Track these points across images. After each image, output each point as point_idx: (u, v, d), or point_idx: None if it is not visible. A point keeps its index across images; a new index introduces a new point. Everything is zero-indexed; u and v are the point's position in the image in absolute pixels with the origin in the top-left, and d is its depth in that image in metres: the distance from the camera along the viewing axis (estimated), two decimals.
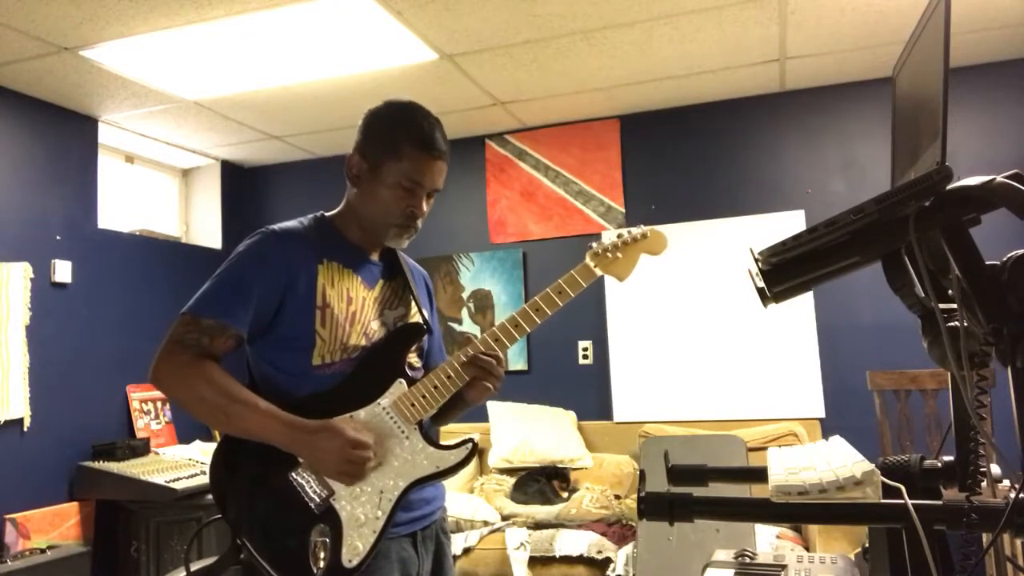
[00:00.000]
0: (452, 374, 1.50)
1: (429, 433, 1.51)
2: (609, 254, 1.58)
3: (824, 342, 3.83)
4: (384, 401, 1.47)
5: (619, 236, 1.60)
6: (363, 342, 1.49)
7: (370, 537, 1.39)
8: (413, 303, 1.61)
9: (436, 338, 1.72)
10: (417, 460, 1.46)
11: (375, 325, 1.52)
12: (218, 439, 4.52)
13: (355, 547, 1.39)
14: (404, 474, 1.45)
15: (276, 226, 1.53)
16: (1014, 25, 3.34)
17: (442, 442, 1.50)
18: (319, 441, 1.37)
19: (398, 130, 1.48)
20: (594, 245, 1.59)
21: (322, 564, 1.33)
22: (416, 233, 1.55)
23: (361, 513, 1.41)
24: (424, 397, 1.48)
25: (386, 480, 1.43)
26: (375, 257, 1.59)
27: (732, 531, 2.60)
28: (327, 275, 1.48)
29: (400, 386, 1.48)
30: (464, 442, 1.49)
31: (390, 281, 1.60)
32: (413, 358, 1.58)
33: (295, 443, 1.39)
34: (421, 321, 1.60)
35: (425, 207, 1.52)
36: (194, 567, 1.56)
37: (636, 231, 1.61)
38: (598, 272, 1.57)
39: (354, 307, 1.50)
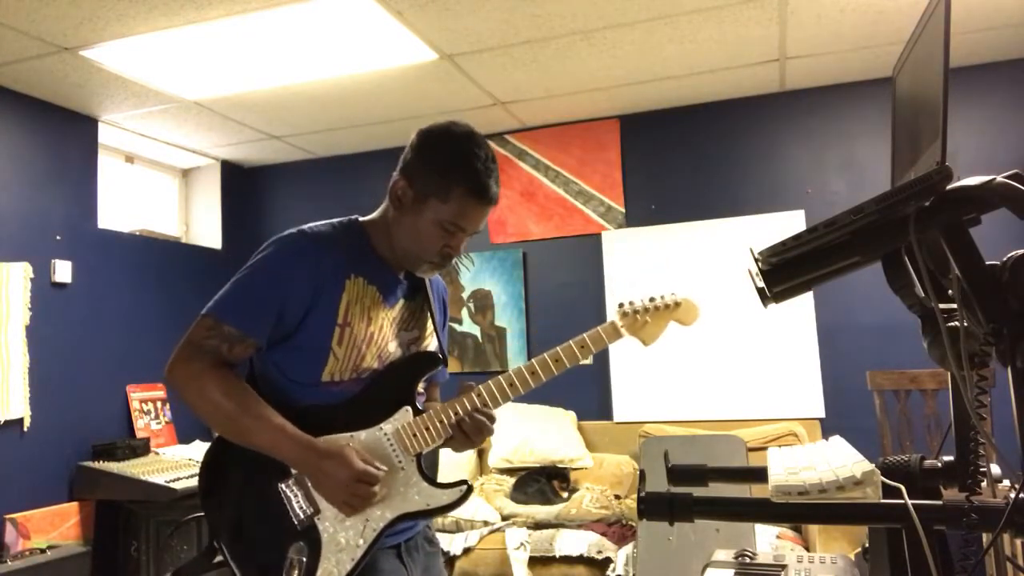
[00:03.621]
0: (460, 411, 1.46)
1: (426, 468, 1.46)
2: (639, 316, 1.55)
3: (824, 342, 3.83)
4: (387, 427, 1.43)
5: (651, 300, 1.57)
6: (376, 364, 1.46)
7: (347, 564, 1.36)
8: (429, 325, 1.58)
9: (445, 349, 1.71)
10: (409, 494, 1.42)
11: (392, 347, 1.49)
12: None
13: (330, 572, 1.35)
14: (393, 506, 1.41)
15: (309, 229, 1.47)
16: (1014, 25, 3.34)
17: (438, 480, 1.47)
18: (327, 466, 1.35)
19: (452, 170, 1.41)
20: (624, 304, 1.56)
21: None
22: (449, 265, 1.53)
23: (343, 538, 1.37)
24: (428, 430, 1.44)
25: (374, 509, 1.39)
26: (401, 275, 1.54)
27: (732, 531, 2.60)
28: (353, 292, 1.44)
29: (405, 414, 1.45)
30: (459, 483, 1.46)
31: (410, 301, 1.56)
32: (420, 384, 1.55)
33: (303, 464, 1.37)
34: (436, 349, 1.58)
35: (462, 248, 1.49)
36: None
37: (669, 298, 1.58)
38: (624, 333, 1.55)
39: (373, 328, 1.46)
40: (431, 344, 1.59)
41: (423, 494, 1.43)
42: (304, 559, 1.31)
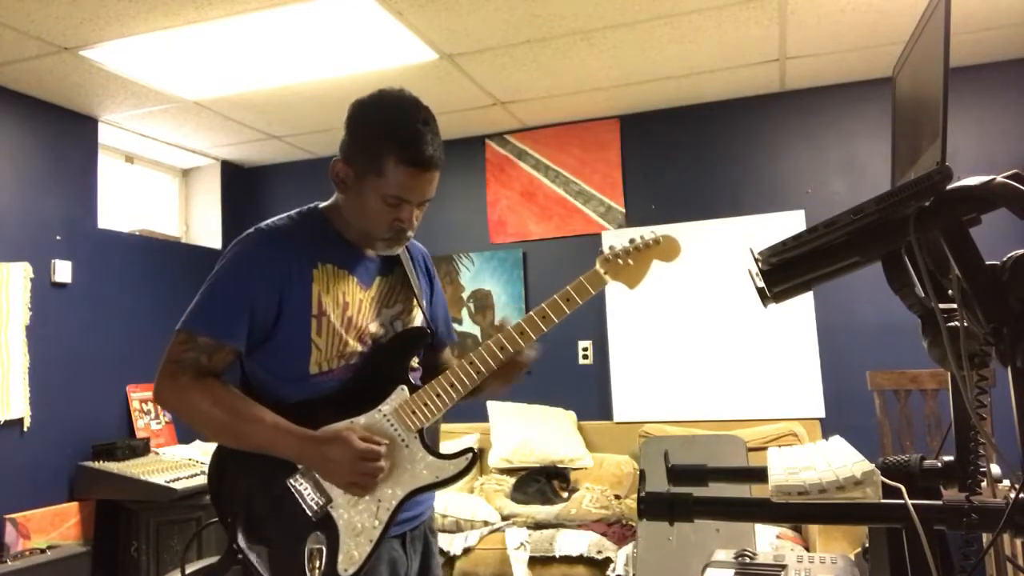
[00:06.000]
0: (455, 382, 1.45)
1: (429, 442, 1.47)
2: (620, 260, 1.51)
3: (824, 342, 3.83)
4: (385, 408, 1.44)
5: (631, 241, 1.52)
6: (360, 347, 1.46)
7: (366, 546, 1.37)
8: (413, 299, 1.57)
9: (441, 310, 1.70)
10: (416, 470, 1.43)
11: (373, 327, 1.49)
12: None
13: (351, 556, 1.37)
14: (403, 483, 1.42)
15: (265, 225, 1.46)
16: (1014, 25, 3.33)
17: (442, 452, 1.47)
18: (329, 452, 1.35)
19: (381, 141, 1.36)
20: (605, 251, 1.52)
21: (317, 573, 1.31)
22: (408, 241, 1.51)
23: (358, 522, 1.38)
24: (426, 404, 1.44)
25: (384, 489, 1.40)
26: (371, 252, 1.52)
27: (732, 531, 2.60)
28: (322, 281, 1.43)
29: (401, 393, 1.45)
30: (464, 452, 1.46)
31: (387, 276, 1.54)
32: (412, 360, 1.55)
33: (306, 455, 1.37)
34: (423, 323, 1.57)
35: (416, 216, 1.45)
36: (191, 568, 1.55)
37: (649, 236, 1.52)
38: (608, 279, 1.51)
39: (350, 312, 1.45)
40: (416, 318, 1.58)
41: (430, 467, 1.44)
42: (323, 548, 1.32)
